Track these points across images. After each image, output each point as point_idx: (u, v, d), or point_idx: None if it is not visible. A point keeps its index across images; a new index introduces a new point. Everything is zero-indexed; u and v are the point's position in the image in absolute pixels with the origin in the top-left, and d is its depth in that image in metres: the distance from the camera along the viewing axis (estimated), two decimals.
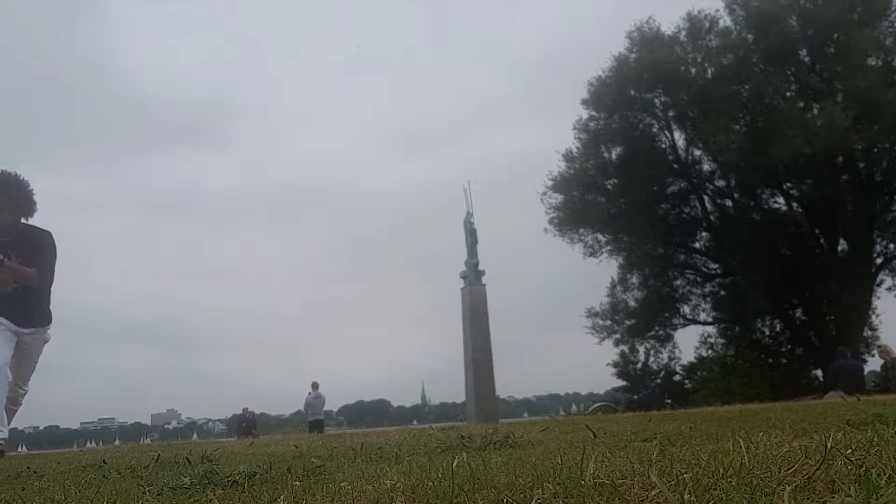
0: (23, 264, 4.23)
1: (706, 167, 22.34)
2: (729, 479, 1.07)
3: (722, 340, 24.54)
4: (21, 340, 4.38)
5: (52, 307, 4.56)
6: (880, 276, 21.52)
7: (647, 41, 20.96)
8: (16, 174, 4.36)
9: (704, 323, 24.31)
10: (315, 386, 16.29)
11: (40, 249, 4.37)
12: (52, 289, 4.51)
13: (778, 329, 23.80)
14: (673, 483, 1.07)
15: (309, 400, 16.22)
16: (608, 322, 23.75)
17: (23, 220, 4.38)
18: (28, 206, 4.37)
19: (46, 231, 4.45)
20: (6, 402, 4.33)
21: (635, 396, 23.67)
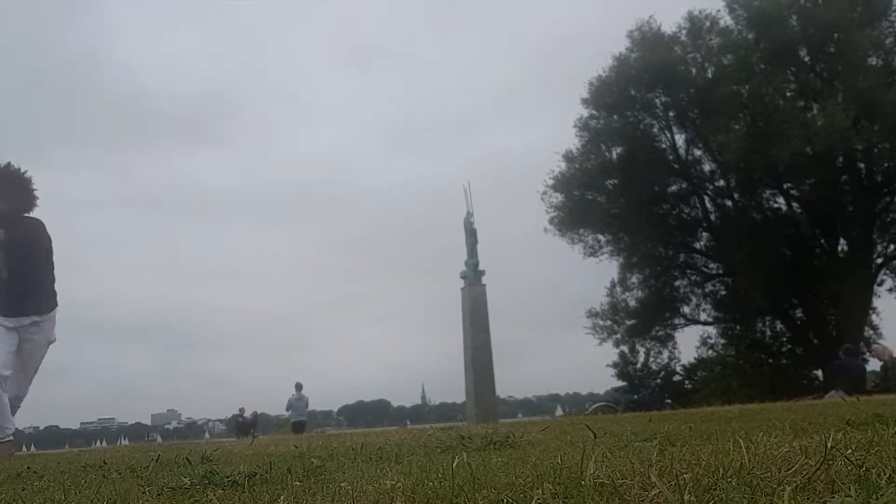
0: (13, 253, 4.26)
1: (706, 167, 22.35)
2: (729, 480, 1.07)
3: (722, 340, 24.56)
4: (22, 337, 4.32)
5: (57, 298, 4.52)
6: (880, 276, 21.54)
7: (648, 41, 20.95)
8: (17, 168, 4.44)
9: (705, 323, 24.33)
10: (298, 387, 16.43)
11: (34, 237, 4.39)
12: (48, 280, 4.51)
13: (778, 329, 23.80)
14: (673, 483, 1.07)
15: (292, 401, 16.36)
16: (608, 322, 23.77)
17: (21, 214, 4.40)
18: (26, 199, 4.43)
19: (37, 219, 4.49)
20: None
21: (635, 396, 23.68)
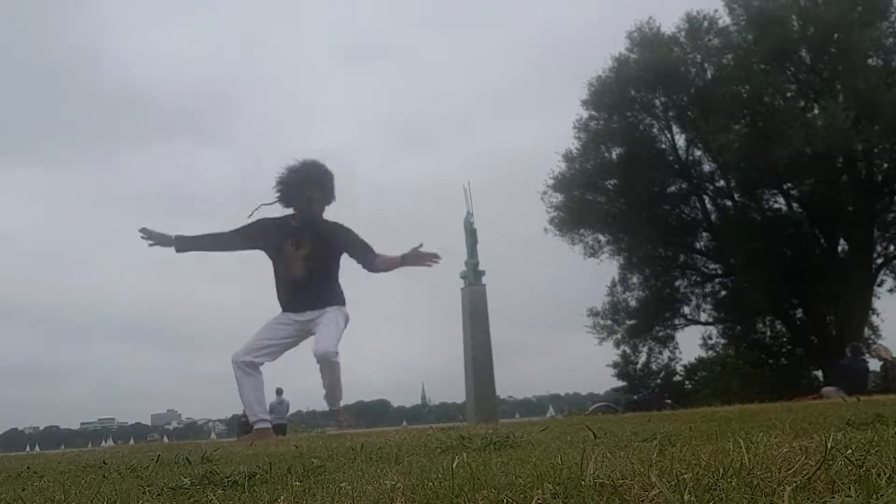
0: (318, 251, 4.31)
1: (706, 167, 22.34)
2: (729, 480, 1.07)
3: (723, 341, 24.58)
4: (305, 328, 4.35)
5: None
6: (880, 277, 21.55)
7: (647, 41, 20.94)
8: (325, 166, 4.46)
9: (705, 323, 24.33)
10: (279, 392, 17.06)
11: (337, 240, 4.44)
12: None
13: (778, 329, 23.80)
14: (673, 483, 1.07)
15: (273, 405, 17.02)
16: (608, 322, 23.77)
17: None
18: (330, 198, 4.47)
19: (337, 223, 4.51)
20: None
21: (635, 397, 23.69)
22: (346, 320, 4.52)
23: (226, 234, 4.49)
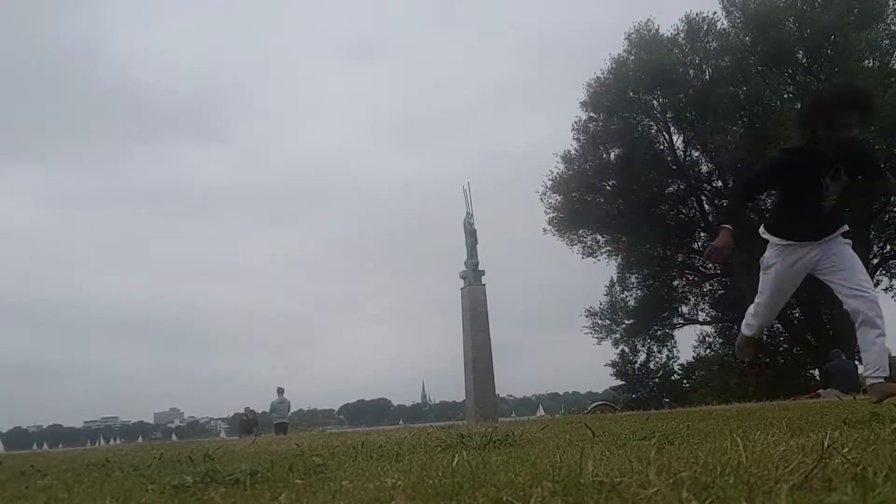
0: (853, 182, 3.82)
1: (704, 168, 22.37)
2: (726, 478, 1.08)
3: (720, 340, 24.60)
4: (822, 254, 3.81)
5: None
6: (877, 277, 21.60)
7: (646, 43, 20.97)
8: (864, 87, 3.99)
9: (703, 322, 24.38)
10: (280, 391, 17.17)
11: (869, 160, 4.01)
12: None
13: (775, 329, 23.84)
14: (671, 481, 1.08)
15: (275, 404, 17.17)
16: (607, 321, 23.82)
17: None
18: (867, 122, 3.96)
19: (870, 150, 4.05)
20: None
21: (634, 395, 23.72)
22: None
23: (756, 179, 4.00)
